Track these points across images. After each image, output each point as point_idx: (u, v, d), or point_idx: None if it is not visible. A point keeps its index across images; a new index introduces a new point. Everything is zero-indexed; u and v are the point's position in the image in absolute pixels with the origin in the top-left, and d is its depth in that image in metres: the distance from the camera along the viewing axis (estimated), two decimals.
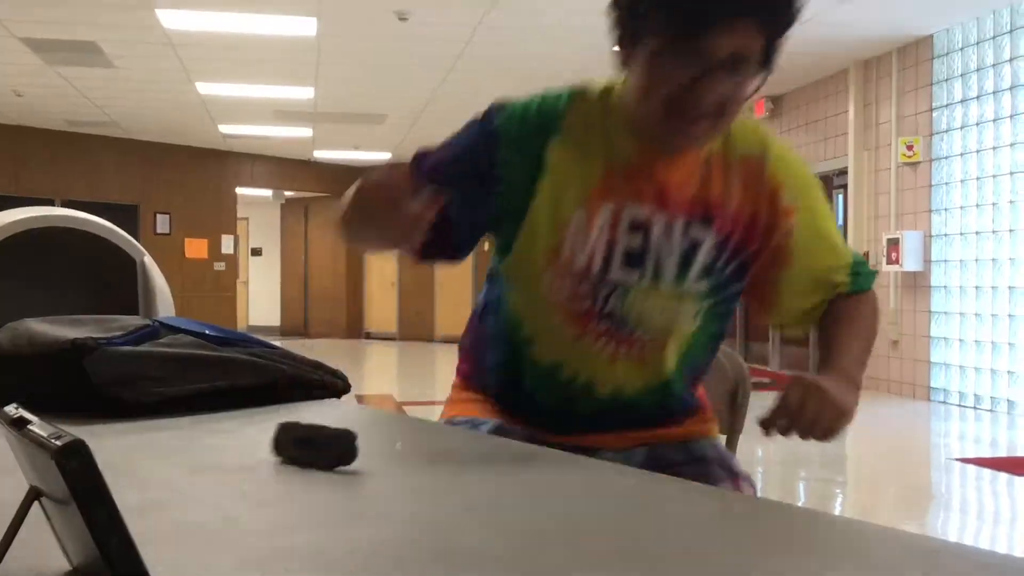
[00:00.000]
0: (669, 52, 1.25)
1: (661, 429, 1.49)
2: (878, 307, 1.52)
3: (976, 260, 7.41)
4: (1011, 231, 7.05)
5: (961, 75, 7.52)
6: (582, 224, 1.37)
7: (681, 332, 1.43)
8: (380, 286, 16.77)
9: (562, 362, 1.43)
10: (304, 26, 7.43)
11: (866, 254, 8.57)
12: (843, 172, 9.02)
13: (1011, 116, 7.01)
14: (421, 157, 1.39)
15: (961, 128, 7.54)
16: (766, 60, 1.28)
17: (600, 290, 1.39)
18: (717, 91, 1.26)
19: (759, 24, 1.25)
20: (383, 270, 16.65)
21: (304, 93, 10.01)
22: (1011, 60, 6.99)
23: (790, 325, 1.53)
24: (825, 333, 1.46)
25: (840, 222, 9.18)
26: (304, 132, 12.53)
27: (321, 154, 14.77)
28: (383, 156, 15.37)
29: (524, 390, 1.47)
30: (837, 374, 1.34)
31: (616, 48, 1.34)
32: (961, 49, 7.51)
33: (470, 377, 1.57)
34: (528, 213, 1.38)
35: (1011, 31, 6.98)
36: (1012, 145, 7.00)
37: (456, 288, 15.18)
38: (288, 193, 16.99)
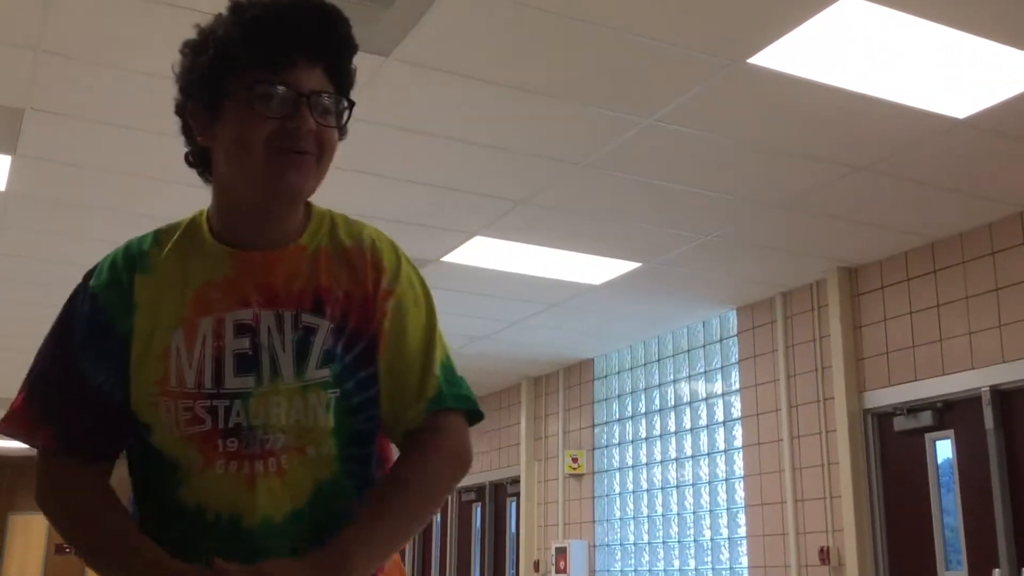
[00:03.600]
0: (262, 90, 1.30)
1: None
2: (460, 448, 1.44)
3: (635, 571, 7.80)
4: (664, 543, 7.54)
5: (618, 396, 8.25)
6: (182, 343, 1.33)
7: (317, 433, 1.34)
8: None
9: (204, 502, 1.32)
10: None
11: (536, 563, 8.79)
12: (516, 481, 9.37)
13: (660, 435, 7.71)
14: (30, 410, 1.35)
15: (619, 444, 8.17)
16: (339, 111, 1.37)
17: (218, 405, 1.31)
18: (310, 124, 1.31)
19: (325, 67, 1.35)
20: (24, 570, 14.81)
21: None
22: (659, 385, 7.79)
23: (390, 428, 1.43)
24: (374, 491, 1.38)
25: (513, 530, 9.42)
26: None
27: None
28: None
29: (175, 552, 1.30)
30: (328, 554, 1.26)
31: (196, 127, 1.36)
32: (617, 373, 8.30)
33: None
34: (131, 356, 1.34)
35: (659, 360, 7.84)
36: (662, 462, 7.65)
37: None
38: None
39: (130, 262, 1.39)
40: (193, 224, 1.42)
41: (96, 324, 1.36)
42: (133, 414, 1.35)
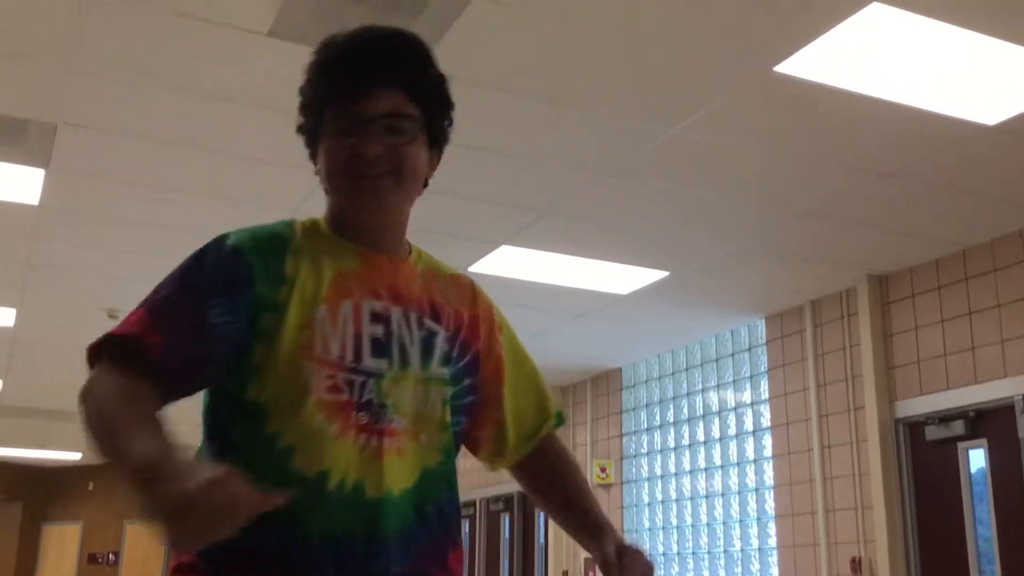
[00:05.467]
0: (335, 125, 1.43)
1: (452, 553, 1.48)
2: None
3: None
4: (694, 553, 7.50)
5: (646, 405, 8.23)
6: (326, 318, 1.41)
7: (432, 423, 1.46)
8: None
9: (328, 469, 1.35)
10: (2, 316, 7.06)
11: (565, 573, 8.77)
12: None
13: (689, 445, 7.67)
14: (149, 347, 1.32)
15: (647, 454, 8.15)
16: (432, 127, 1.50)
17: (356, 380, 1.40)
18: (379, 145, 1.43)
19: (402, 91, 1.45)
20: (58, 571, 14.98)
21: None
22: (688, 395, 7.77)
23: (511, 451, 1.65)
24: (560, 484, 1.66)
25: (542, 540, 9.41)
26: None
27: (1, 451, 13.53)
28: (72, 455, 14.30)
29: (286, 526, 1.30)
30: (612, 531, 1.56)
31: (312, 158, 1.50)
32: (646, 382, 8.28)
33: (195, 563, 1.35)
34: (276, 321, 1.39)
35: (687, 369, 7.81)
36: (691, 472, 7.62)
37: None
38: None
39: (277, 239, 1.46)
40: (312, 223, 1.52)
41: (234, 272, 1.39)
42: (248, 393, 1.36)
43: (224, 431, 1.41)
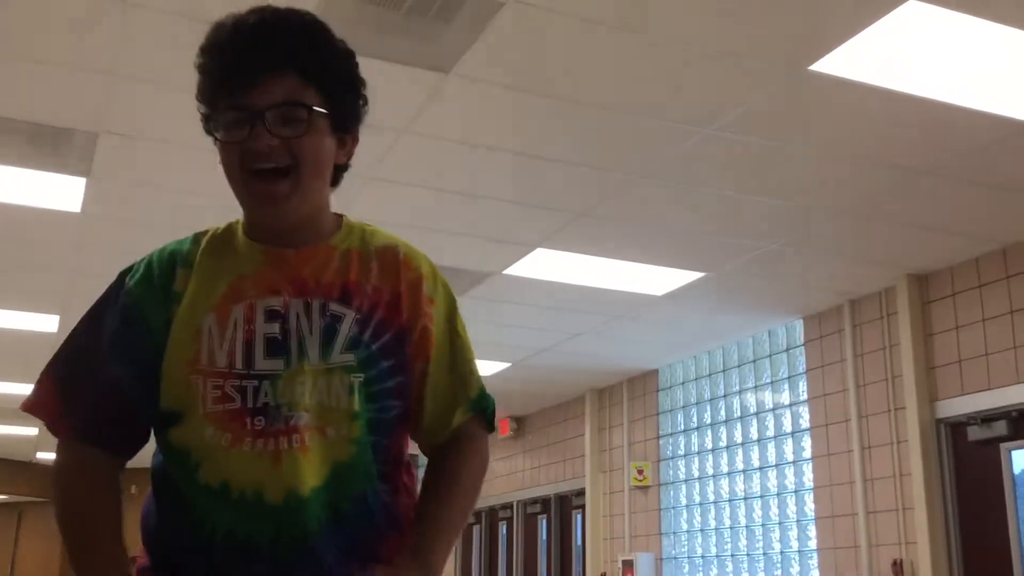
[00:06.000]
0: (225, 118, 1.35)
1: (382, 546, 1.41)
2: (487, 455, 1.55)
3: None
4: (733, 556, 7.45)
5: (683, 407, 8.19)
6: (214, 326, 1.38)
7: (338, 414, 1.38)
8: None
9: (228, 479, 1.35)
10: (46, 323, 7.18)
11: (603, 575, 8.75)
12: (581, 493, 9.35)
13: (727, 447, 7.63)
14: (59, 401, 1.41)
15: (684, 456, 8.10)
16: (337, 111, 1.39)
17: (247, 385, 1.36)
18: (271, 137, 1.34)
19: (297, 76, 1.35)
20: None
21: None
22: (725, 396, 7.72)
23: (424, 436, 1.52)
24: (425, 492, 1.48)
25: (579, 542, 9.40)
26: (28, 431, 11.70)
27: (45, 455, 13.74)
28: None
29: (197, 535, 1.36)
30: (414, 558, 1.38)
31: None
32: (682, 383, 8.23)
33: (146, 562, 1.45)
34: (168, 339, 1.38)
35: (724, 370, 7.76)
36: (729, 474, 7.57)
37: None
38: (1, 496, 15.49)
39: (170, 258, 1.45)
40: (228, 228, 1.50)
41: (129, 319, 1.42)
42: (159, 408, 1.39)
43: (160, 442, 1.44)
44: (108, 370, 1.40)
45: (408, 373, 1.45)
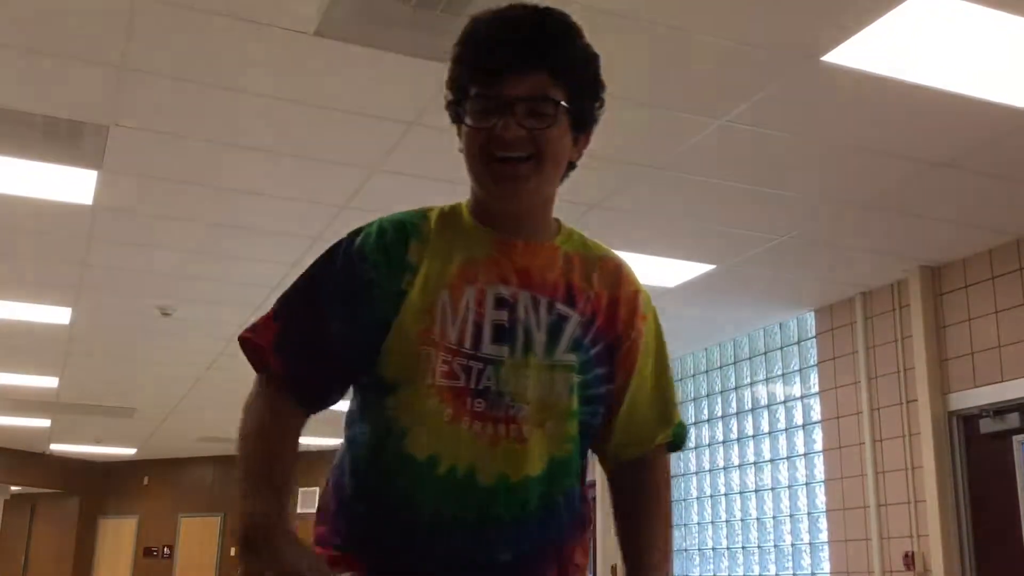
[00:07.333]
0: (475, 105, 1.41)
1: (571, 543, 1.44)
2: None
3: None
4: (743, 548, 7.44)
5: (694, 399, 8.18)
6: (448, 303, 1.41)
7: (558, 411, 1.42)
8: None
9: (439, 453, 1.37)
10: (58, 315, 7.21)
11: (613, 567, 8.75)
12: (592, 485, 9.31)
13: (738, 439, 7.62)
14: (273, 346, 1.43)
15: (696, 448, 8.09)
16: (578, 110, 1.44)
17: (473, 367, 1.39)
18: (519, 128, 1.39)
19: (547, 72, 1.41)
20: (115, 572, 15.25)
21: (47, 382, 9.50)
22: (736, 388, 7.70)
23: (612, 450, 1.56)
24: (633, 514, 1.55)
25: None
26: (41, 423, 11.76)
27: (58, 447, 13.82)
28: (127, 451, 14.56)
29: (397, 508, 1.38)
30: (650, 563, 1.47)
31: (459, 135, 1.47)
32: (693, 376, 8.22)
33: (327, 537, 1.45)
34: (400, 307, 1.41)
35: (735, 362, 7.75)
36: (740, 466, 7.56)
37: None
38: (15, 488, 15.59)
39: (403, 229, 1.47)
40: (453, 210, 1.52)
41: (356, 279, 1.43)
42: (378, 374, 1.41)
43: (361, 400, 1.47)
44: (330, 325, 1.42)
45: (613, 384, 1.50)
